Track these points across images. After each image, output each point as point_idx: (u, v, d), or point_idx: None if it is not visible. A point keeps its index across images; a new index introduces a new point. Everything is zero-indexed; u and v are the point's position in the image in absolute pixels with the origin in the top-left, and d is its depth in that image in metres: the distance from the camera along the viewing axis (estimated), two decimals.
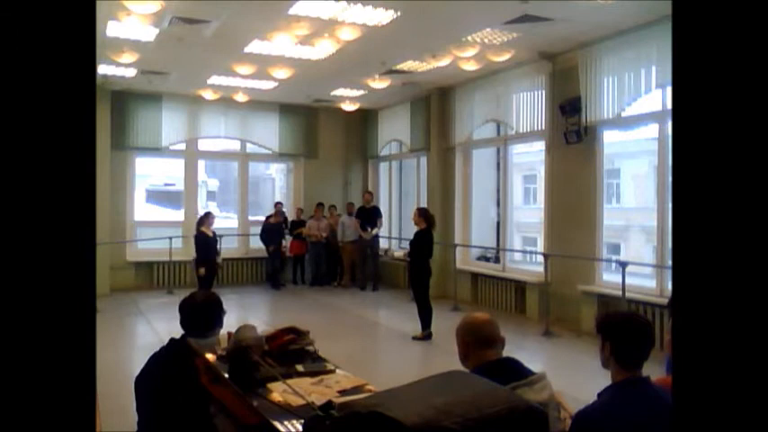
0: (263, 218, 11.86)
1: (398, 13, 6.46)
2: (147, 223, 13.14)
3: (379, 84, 9.37)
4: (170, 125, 11.21)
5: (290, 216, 11.92)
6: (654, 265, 7.45)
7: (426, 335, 7.29)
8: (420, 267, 7.43)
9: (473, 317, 2.45)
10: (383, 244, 11.80)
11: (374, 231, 11.28)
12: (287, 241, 11.54)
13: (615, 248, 13.79)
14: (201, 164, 14.48)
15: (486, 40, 7.39)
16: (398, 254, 8.03)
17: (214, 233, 8.76)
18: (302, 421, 2.05)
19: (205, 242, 8.53)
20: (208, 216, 8.80)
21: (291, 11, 6.37)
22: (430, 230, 7.44)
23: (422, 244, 7.36)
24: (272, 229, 11.35)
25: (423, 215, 7.50)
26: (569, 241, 8.02)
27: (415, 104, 11.19)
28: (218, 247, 8.88)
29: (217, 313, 2.80)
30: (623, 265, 6.80)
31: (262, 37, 7.35)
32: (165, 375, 2.54)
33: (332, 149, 12.64)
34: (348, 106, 11.42)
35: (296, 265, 11.75)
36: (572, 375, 5.38)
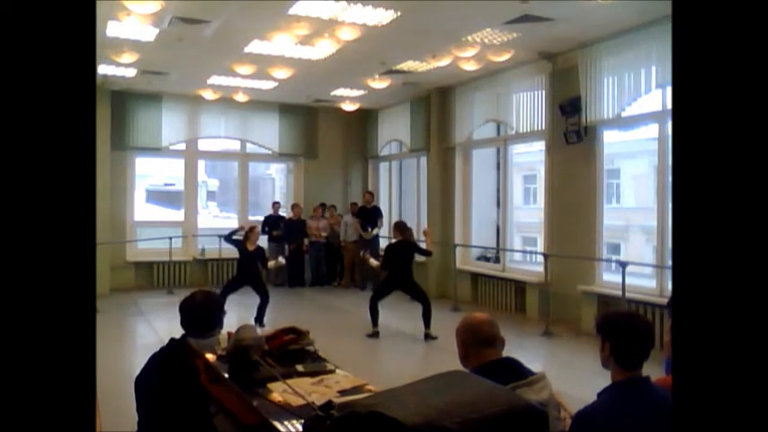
0: (262, 217, 11.85)
1: (398, 13, 6.46)
2: (147, 223, 13.15)
3: (379, 84, 9.37)
4: (170, 125, 11.21)
5: (288, 215, 11.90)
6: (654, 265, 7.45)
7: (374, 333, 7.42)
8: (391, 273, 7.57)
9: (473, 317, 2.45)
10: (383, 244, 11.81)
11: (374, 231, 11.28)
12: (307, 240, 11.50)
13: (615, 248, 13.79)
14: (201, 164, 14.49)
15: (486, 40, 7.39)
16: (374, 262, 8.09)
17: (259, 249, 8.11)
18: (302, 421, 2.05)
19: (240, 257, 8.08)
20: (251, 230, 8.15)
21: (291, 11, 6.37)
22: (401, 242, 7.59)
23: (394, 254, 7.52)
24: (293, 227, 11.32)
25: (396, 228, 7.78)
26: (569, 241, 8.02)
27: (415, 104, 11.19)
28: (258, 264, 8.10)
29: (217, 313, 2.81)
30: (623, 265, 6.80)
31: (262, 37, 7.35)
32: (165, 375, 2.54)
33: (332, 149, 12.64)
34: (348, 106, 11.42)
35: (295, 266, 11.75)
36: (572, 375, 5.38)
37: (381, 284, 7.80)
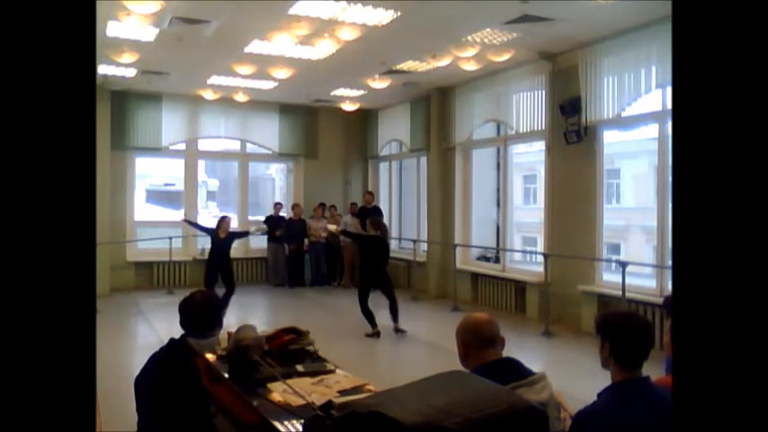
0: (262, 217, 11.87)
1: (398, 13, 6.46)
2: (147, 223, 13.14)
3: (379, 84, 9.37)
4: (170, 125, 11.21)
5: (288, 215, 11.91)
6: (654, 265, 7.44)
7: (375, 333, 7.42)
8: (365, 271, 7.70)
9: (473, 317, 2.45)
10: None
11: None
12: (308, 240, 11.57)
13: (615, 248, 13.79)
14: (201, 164, 14.47)
15: (486, 40, 7.39)
16: (331, 227, 8.23)
17: (230, 234, 8.60)
18: (302, 421, 2.05)
19: (213, 245, 8.50)
20: (222, 219, 8.65)
21: (291, 11, 6.37)
22: (378, 237, 7.69)
23: (368, 248, 7.68)
24: (294, 227, 11.35)
25: (373, 224, 7.91)
26: (569, 241, 8.02)
27: (415, 104, 11.19)
28: (227, 249, 8.59)
29: (216, 313, 2.81)
30: (623, 265, 6.80)
31: (262, 37, 7.35)
32: (165, 375, 2.54)
33: (332, 149, 12.64)
34: (348, 106, 11.42)
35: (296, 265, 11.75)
36: (572, 375, 5.38)
37: (361, 286, 7.75)
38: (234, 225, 12.42)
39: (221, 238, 8.43)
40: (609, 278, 7.71)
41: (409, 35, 7.24)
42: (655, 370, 2.37)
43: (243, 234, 9.23)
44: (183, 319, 2.73)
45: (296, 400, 2.47)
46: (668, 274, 6.74)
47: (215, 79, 9.73)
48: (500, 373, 1.99)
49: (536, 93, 8.58)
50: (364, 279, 7.71)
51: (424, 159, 11.17)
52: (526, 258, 11.14)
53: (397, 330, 7.39)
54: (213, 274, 8.42)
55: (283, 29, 6.90)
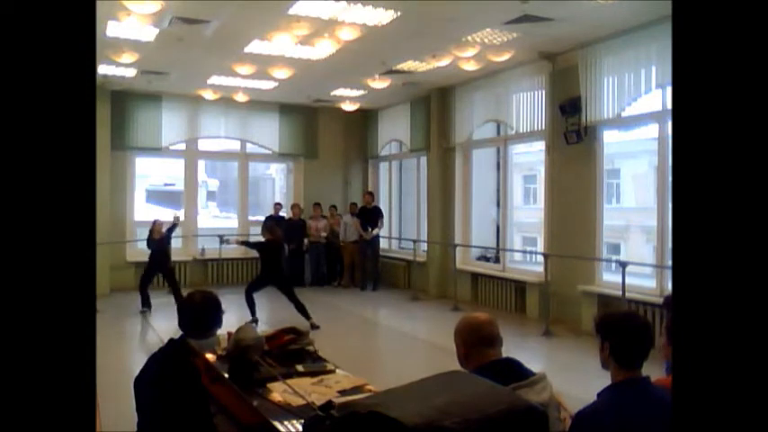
0: (262, 217, 11.86)
1: (398, 13, 6.46)
2: (148, 223, 13.09)
3: (379, 84, 9.37)
4: (170, 125, 11.21)
5: (288, 215, 11.91)
6: (654, 265, 7.44)
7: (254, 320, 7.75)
8: (263, 272, 8.31)
9: (473, 317, 2.45)
10: (384, 245, 11.79)
11: (375, 231, 11.28)
12: (307, 240, 11.60)
13: (615, 248, 13.79)
14: (201, 164, 14.47)
15: (486, 40, 7.39)
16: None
17: (164, 236, 9.22)
18: (302, 421, 2.05)
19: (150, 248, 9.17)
20: (154, 223, 9.35)
21: (291, 11, 6.37)
22: (273, 241, 8.25)
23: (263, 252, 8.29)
24: (293, 227, 11.37)
25: (268, 229, 8.64)
26: (569, 241, 8.01)
27: (415, 104, 11.19)
28: (166, 249, 9.32)
29: (215, 313, 2.80)
30: (623, 265, 6.80)
31: (262, 37, 7.35)
32: (165, 376, 2.54)
33: (332, 149, 12.63)
34: (348, 106, 11.41)
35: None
36: (572, 375, 5.38)
37: (256, 280, 8.36)
38: (234, 224, 12.48)
39: (156, 239, 9.06)
40: (609, 278, 7.70)
41: (409, 35, 7.24)
42: (655, 370, 2.37)
43: (173, 226, 9.63)
44: (182, 319, 2.73)
45: (296, 400, 2.47)
46: (668, 274, 6.74)
47: (215, 79, 9.73)
48: (500, 374, 1.99)
49: (536, 93, 8.58)
50: (262, 277, 8.26)
51: (424, 159, 11.17)
52: (526, 258, 11.14)
53: (313, 326, 7.36)
54: (150, 276, 9.12)
55: (283, 29, 6.90)
